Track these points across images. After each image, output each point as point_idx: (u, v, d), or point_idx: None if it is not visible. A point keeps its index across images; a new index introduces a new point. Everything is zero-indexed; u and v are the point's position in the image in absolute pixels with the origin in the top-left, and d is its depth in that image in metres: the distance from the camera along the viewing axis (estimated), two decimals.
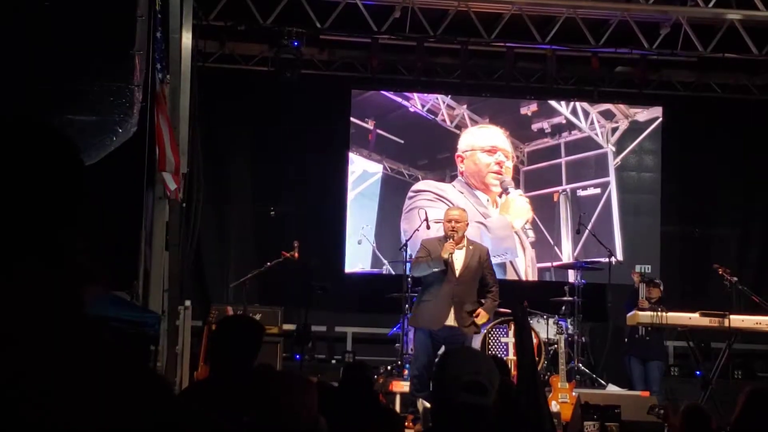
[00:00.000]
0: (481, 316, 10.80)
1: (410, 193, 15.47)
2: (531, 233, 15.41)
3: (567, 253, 15.13)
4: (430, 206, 15.03)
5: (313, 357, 14.27)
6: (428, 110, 15.66)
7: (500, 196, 15.38)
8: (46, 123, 1.59)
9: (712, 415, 7.47)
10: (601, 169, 15.79)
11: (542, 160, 15.77)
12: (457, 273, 10.59)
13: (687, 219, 15.97)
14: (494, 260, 14.66)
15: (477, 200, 15.37)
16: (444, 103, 15.67)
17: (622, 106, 15.80)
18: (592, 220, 15.41)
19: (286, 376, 6.59)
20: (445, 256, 10.47)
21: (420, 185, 15.56)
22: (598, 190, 15.69)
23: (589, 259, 14.44)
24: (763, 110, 15.61)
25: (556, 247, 15.18)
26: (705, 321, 12.01)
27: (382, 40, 14.62)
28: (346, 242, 14.95)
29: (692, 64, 15.52)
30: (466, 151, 15.62)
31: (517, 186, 15.51)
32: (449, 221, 10.67)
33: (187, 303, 12.11)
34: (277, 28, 14.05)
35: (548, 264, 15.17)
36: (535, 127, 15.78)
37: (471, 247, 10.79)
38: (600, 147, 15.80)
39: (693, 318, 12.05)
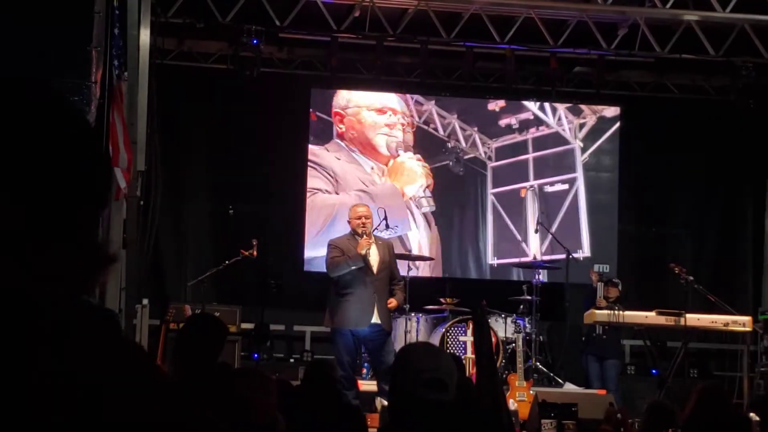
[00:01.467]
0: (393, 303, 10.84)
1: None
2: (425, 202, 15.26)
3: (534, 249, 15.11)
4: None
5: (272, 356, 14.23)
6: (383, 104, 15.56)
7: (389, 161, 15.24)
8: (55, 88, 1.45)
9: (675, 411, 7.60)
10: (568, 165, 15.83)
11: (510, 156, 15.76)
12: (375, 269, 10.53)
13: (644, 219, 16.08)
14: (383, 234, 14.68)
15: (359, 166, 15.18)
16: (413, 99, 15.60)
17: None
18: (560, 216, 15.47)
19: (246, 373, 6.61)
20: (363, 252, 10.41)
21: None
22: (565, 186, 15.71)
23: (549, 257, 14.50)
24: (720, 111, 15.74)
25: (523, 243, 15.14)
26: (661, 320, 12.11)
27: (341, 39, 14.58)
28: (305, 241, 14.90)
29: (650, 65, 15.64)
30: (347, 107, 15.43)
31: (467, 177, 15.45)
32: (359, 218, 10.62)
33: (145, 301, 12.03)
34: (237, 25, 13.96)
35: (508, 261, 15.12)
36: (502, 123, 15.77)
37: (380, 242, 10.77)
38: (568, 143, 15.84)
39: (649, 317, 12.14)
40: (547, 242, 15.19)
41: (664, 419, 7.11)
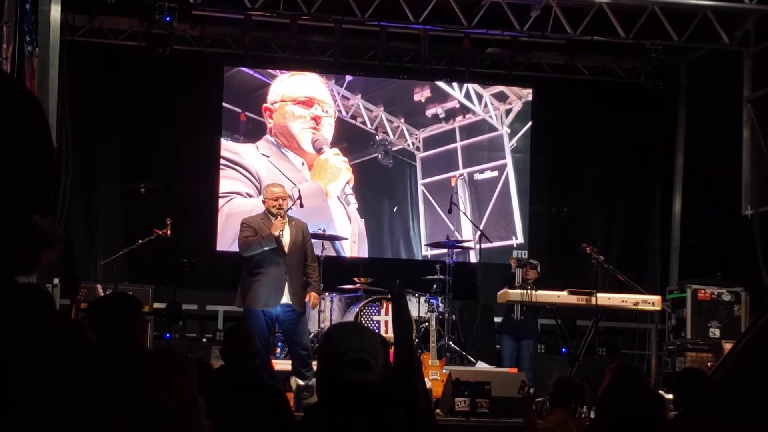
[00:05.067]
0: (315, 301, 10.97)
1: None
2: (352, 199, 15.22)
3: (467, 236, 15.05)
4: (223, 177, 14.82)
5: (184, 336, 14.12)
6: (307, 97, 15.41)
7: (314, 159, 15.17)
8: None
9: (581, 385, 7.74)
10: (497, 151, 15.89)
11: (438, 146, 15.76)
12: (287, 249, 10.52)
13: (555, 199, 16.24)
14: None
15: (288, 164, 15.03)
16: (339, 94, 15.48)
17: (515, 87, 15.88)
18: (491, 202, 15.53)
19: (163, 352, 6.54)
20: (276, 233, 10.40)
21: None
22: (495, 173, 15.75)
23: (460, 240, 14.58)
24: (630, 92, 15.95)
25: (456, 233, 15.07)
26: (573, 299, 12.24)
27: (255, 17, 14.48)
28: (218, 220, 14.80)
29: (561, 47, 15.75)
30: (275, 102, 15.24)
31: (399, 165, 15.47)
32: (275, 199, 10.60)
33: (56, 281, 11.88)
34: (149, 2, 13.77)
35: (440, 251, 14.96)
36: (429, 113, 15.75)
37: (293, 222, 10.76)
38: (495, 129, 15.88)
39: (561, 296, 12.26)
40: (480, 228, 15.26)
41: (571, 392, 7.27)
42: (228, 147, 14.96)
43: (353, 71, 15.64)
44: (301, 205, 12.11)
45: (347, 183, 15.25)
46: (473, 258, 14.51)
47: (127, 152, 15.19)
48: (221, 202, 14.64)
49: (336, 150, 15.23)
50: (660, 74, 15.12)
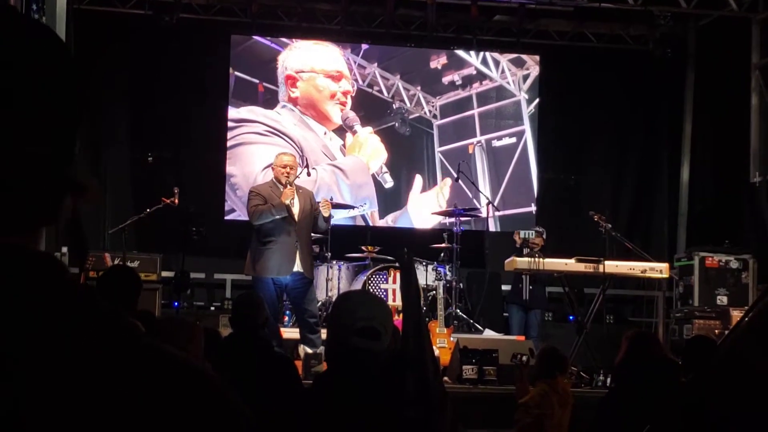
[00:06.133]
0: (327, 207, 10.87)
1: (230, 123, 14.99)
2: (388, 178, 15.29)
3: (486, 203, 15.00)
4: (262, 141, 14.76)
5: (192, 304, 14.14)
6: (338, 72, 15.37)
7: (345, 132, 15.18)
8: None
9: (566, 356, 7.72)
10: (515, 117, 15.83)
11: (455, 113, 15.71)
12: (297, 217, 10.48)
13: (563, 167, 16.21)
14: (352, 213, 14.66)
15: (314, 133, 15.07)
16: (355, 62, 15.44)
17: None
18: (510, 169, 15.51)
19: (170, 320, 6.53)
20: (287, 202, 10.35)
21: (243, 113, 15.06)
22: (513, 140, 15.71)
23: (502, 213, 14.62)
24: (638, 60, 15.88)
25: (474, 200, 14.99)
26: (581, 267, 12.17)
27: None
28: (226, 189, 14.79)
29: (569, 14, 15.65)
30: (302, 72, 15.25)
31: (421, 137, 15.44)
32: (284, 166, 10.54)
33: (64, 250, 11.88)
34: None
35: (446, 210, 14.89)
36: (445, 80, 15.70)
37: (300, 191, 10.70)
38: (513, 95, 15.82)
39: (569, 264, 12.19)
40: (499, 196, 15.27)
41: (554, 363, 7.25)
42: (267, 115, 14.98)
43: (360, 39, 15.58)
44: (309, 174, 12.10)
45: (384, 162, 15.29)
46: (492, 226, 14.49)
47: (134, 121, 15.16)
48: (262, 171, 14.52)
49: (370, 128, 15.25)
50: (668, 41, 15.09)
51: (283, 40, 15.30)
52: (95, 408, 1.13)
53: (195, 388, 1.21)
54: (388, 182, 15.25)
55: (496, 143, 15.69)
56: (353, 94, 15.28)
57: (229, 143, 14.88)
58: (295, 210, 10.48)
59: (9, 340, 1.13)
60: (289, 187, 10.40)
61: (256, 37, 15.26)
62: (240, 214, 14.28)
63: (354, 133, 15.19)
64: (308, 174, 11.96)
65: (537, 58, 15.84)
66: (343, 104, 15.17)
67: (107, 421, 1.13)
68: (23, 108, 1.19)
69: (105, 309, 1.22)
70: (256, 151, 14.68)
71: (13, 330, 1.14)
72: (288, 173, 10.49)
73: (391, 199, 15.36)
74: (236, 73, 15.07)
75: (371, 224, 15.09)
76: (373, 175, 15.27)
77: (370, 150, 15.20)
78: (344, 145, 15.21)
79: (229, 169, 14.83)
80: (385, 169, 15.26)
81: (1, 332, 1.13)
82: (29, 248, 1.23)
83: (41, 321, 1.16)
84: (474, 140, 15.61)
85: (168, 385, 1.19)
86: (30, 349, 1.14)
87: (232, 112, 14.97)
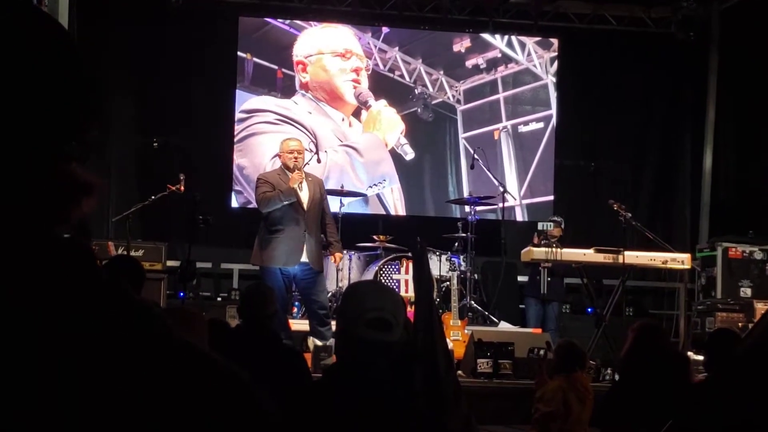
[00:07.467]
0: (338, 261, 11.07)
1: (240, 114, 14.74)
2: (408, 149, 14.98)
3: (513, 191, 14.71)
4: (272, 131, 14.49)
5: (198, 294, 13.86)
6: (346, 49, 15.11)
7: (360, 110, 14.90)
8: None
9: (584, 351, 7.55)
10: (542, 102, 15.52)
11: (479, 98, 15.42)
12: (306, 206, 10.31)
13: (582, 153, 15.86)
14: (370, 191, 14.38)
15: (328, 119, 14.79)
16: (376, 47, 15.16)
17: None
18: (537, 155, 15.19)
19: (173, 311, 6.35)
20: (294, 186, 10.18)
21: (254, 103, 14.80)
22: (541, 125, 15.41)
23: (529, 201, 14.34)
24: (659, 43, 15.61)
25: (500, 187, 14.68)
26: (599, 257, 12.03)
27: None
28: (233, 176, 14.50)
29: None
30: (310, 55, 14.97)
31: (436, 120, 15.10)
32: (291, 152, 10.39)
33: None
34: None
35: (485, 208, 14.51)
36: (469, 63, 15.41)
37: (309, 178, 10.55)
38: (540, 78, 15.52)
39: (587, 254, 12.07)
40: (525, 184, 14.94)
41: (571, 358, 7.09)
42: (279, 104, 14.73)
43: (372, 21, 15.27)
44: (318, 161, 11.90)
45: (402, 133, 14.95)
46: (519, 215, 14.15)
47: (139, 106, 14.92)
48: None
49: (384, 101, 14.97)
50: (691, 24, 14.92)
51: (301, 23, 15.01)
52: (130, 400, 1.17)
53: (224, 385, 1.27)
54: (409, 153, 14.96)
55: (522, 128, 15.35)
56: (369, 71, 14.96)
57: (239, 135, 14.67)
58: (304, 198, 10.35)
59: (44, 333, 1.15)
60: (297, 171, 10.16)
61: (273, 22, 14.93)
62: (250, 203, 14.02)
63: (368, 108, 14.82)
64: (318, 161, 11.71)
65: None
66: (357, 81, 14.84)
67: (139, 415, 1.17)
68: (24, 102, 1.20)
69: (139, 304, 1.25)
70: (264, 141, 14.45)
71: (48, 323, 1.15)
72: (296, 158, 10.35)
73: (412, 175, 15.08)
74: (254, 59, 14.80)
75: (389, 204, 14.78)
76: (392, 150, 14.91)
77: (385, 123, 14.95)
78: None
79: (241, 161, 14.60)
80: (403, 140, 14.97)
81: (34, 322, 1.15)
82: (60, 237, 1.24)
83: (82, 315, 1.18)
84: (500, 125, 15.27)
85: (199, 382, 1.24)
86: (68, 340, 1.15)
87: (244, 104, 14.72)
